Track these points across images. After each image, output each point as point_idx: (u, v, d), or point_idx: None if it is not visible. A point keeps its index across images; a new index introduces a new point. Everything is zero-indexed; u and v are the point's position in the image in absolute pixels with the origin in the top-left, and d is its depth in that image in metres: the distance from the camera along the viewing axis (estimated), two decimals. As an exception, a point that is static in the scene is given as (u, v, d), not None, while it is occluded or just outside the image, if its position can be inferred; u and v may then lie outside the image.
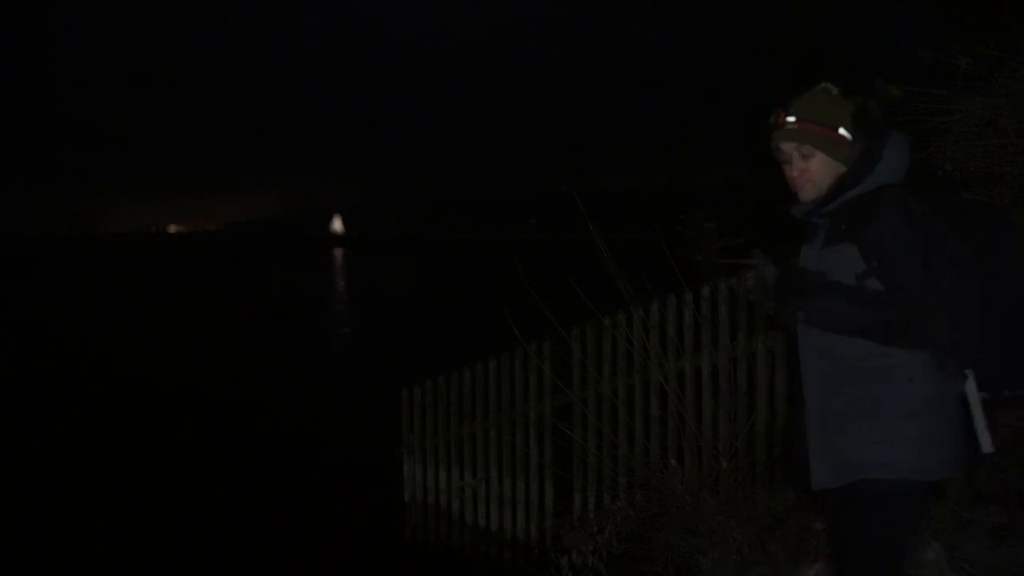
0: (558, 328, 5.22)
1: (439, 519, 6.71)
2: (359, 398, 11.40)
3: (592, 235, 4.65)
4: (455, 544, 6.50)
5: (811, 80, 2.28)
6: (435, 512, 6.76)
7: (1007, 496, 3.37)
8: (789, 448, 2.43)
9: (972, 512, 3.33)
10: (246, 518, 6.77)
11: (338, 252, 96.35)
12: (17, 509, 7.13)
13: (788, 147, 2.21)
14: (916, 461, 2.07)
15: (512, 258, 5.36)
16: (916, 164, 2.23)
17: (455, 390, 6.56)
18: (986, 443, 2.08)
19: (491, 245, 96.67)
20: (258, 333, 19.70)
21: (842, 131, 2.18)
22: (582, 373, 5.58)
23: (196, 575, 5.90)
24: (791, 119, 2.19)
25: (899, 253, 2.02)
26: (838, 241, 2.12)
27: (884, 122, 2.24)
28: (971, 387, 2.07)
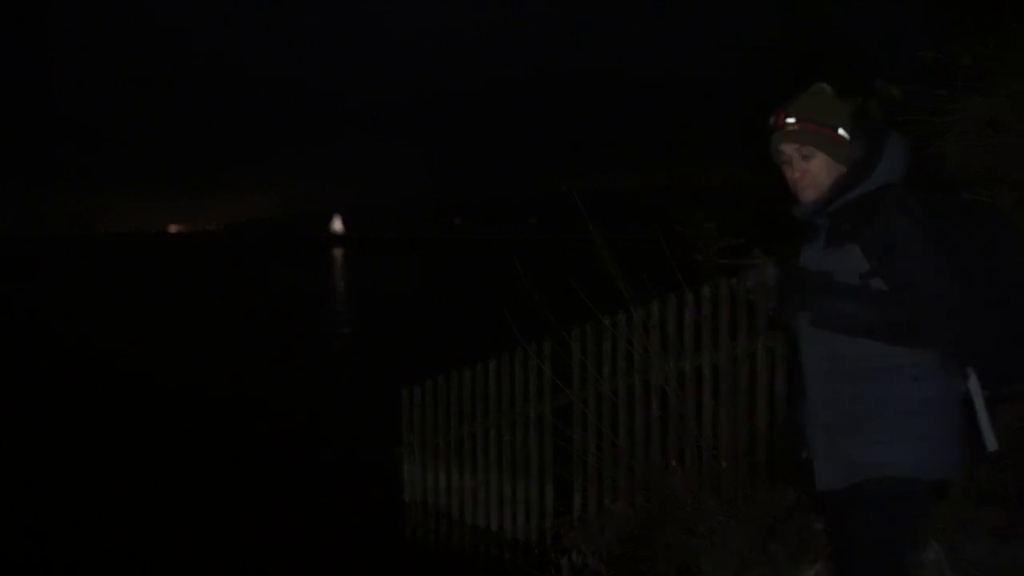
0: (558, 328, 5.22)
1: (439, 519, 6.71)
2: (359, 398, 11.39)
3: (592, 235, 4.65)
4: (455, 544, 6.50)
5: (811, 80, 2.28)
6: (435, 512, 6.76)
7: (1007, 496, 3.37)
8: (789, 448, 2.43)
9: (972, 512, 3.33)
10: (246, 518, 6.77)
11: (338, 252, 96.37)
12: (17, 509, 7.12)
13: (789, 148, 2.20)
14: (918, 461, 2.07)
15: (512, 258, 5.36)
16: (916, 164, 2.23)
17: (455, 390, 6.56)
18: (991, 441, 2.08)
19: (491, 245, 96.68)
20: (258, 333, 19.70)
21: (841, 131, 2.18)
22: (582, 373, 5.58)
23: (196, 575, 5.90)
24: (791, 120, 2.19)
25: (903, 252, 2.02)
26: (840, 241, 2.11)
27: (884, 122, 2.25)
28: (974, 385, 2.07)
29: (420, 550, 6.42)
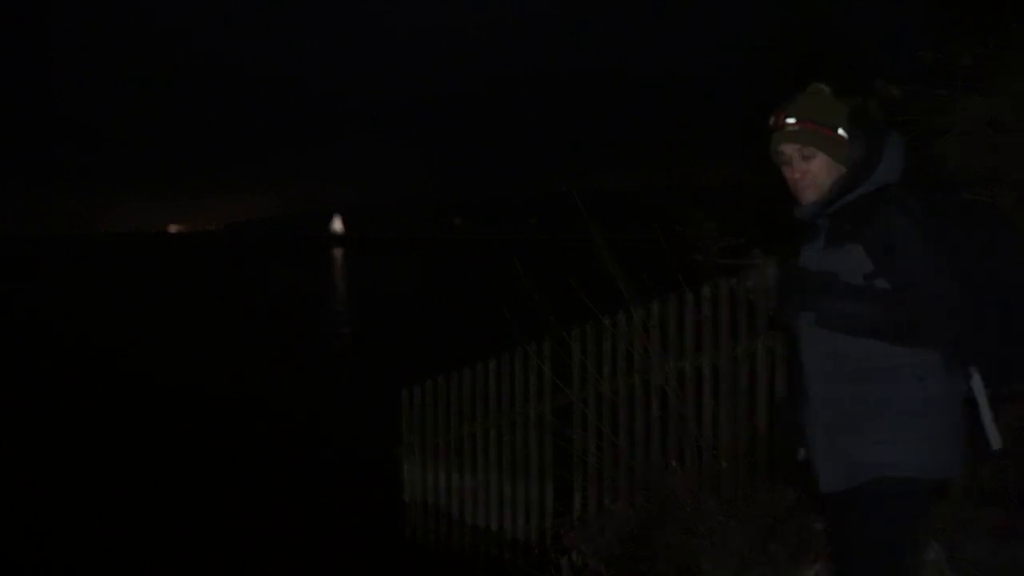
0: (558, 328, 5.22)
1: (439, 519, 6.71)
2: (359, 398, 11.39)
3: (592, 235, 4.65)
4: (455, 544, 6.50)
5: (811, 80, 2.28)
6: (435, 512, 6.76)
7: (1007, 496, 3.37)
8: (787, 448, 2.43)
9: (972, 512, 3.33)
10: (246, 518, 6.77)
11: (338, 252, 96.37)
12: (17, 509, 7.12)
13: (789, 148, 2.20)
14: (919, 461, 2.07)
15: (512, 258, 5.35)
16: (916, 164, 2.23)
17: (455, 390, 6.56)
18: (995, 439, 2.08)
19: (491, 245, 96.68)
20: (258, 333, 19.70)
21: (841, 131, 2.18)
22: (582, 373, 5.58)
23: (196, 575, 5.90)
24: (791, 120, 2.18)
25: (903, 252, 2.02)
26: (841, 241, 2.11)
27: (883, 122, 2.25)
28: (977, 384, 2.07)
29: (420, 550, 6.42)
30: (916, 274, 2.01)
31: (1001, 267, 2.07)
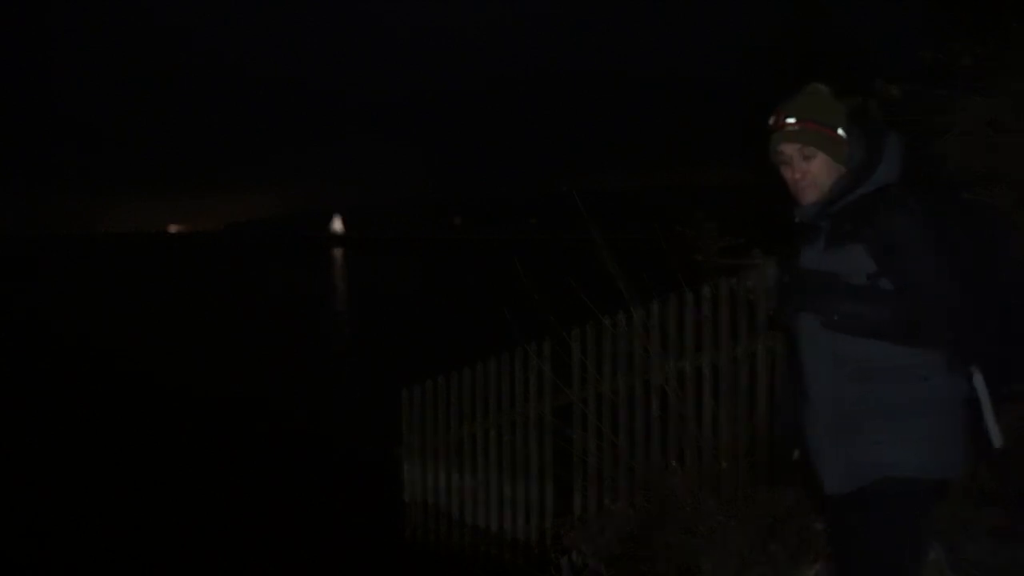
0: (558, 328, 5.22)
1: (439, 519, 6.71)
2: (359, 398, 11.40)
3: (592, 235, 4.65)
4: (455, 544, 6.50)
5: (811, 80, 2.27)
6: (435, 512, 6.76)
7: (1007, 496, 3.37)
8: (785, 449, 2.43)
9: (972, 512, 3.33)
10: (246, 518, 6.77)
11: (338, 252, 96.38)
12: (17, 509, 7.12)
13: (789, 148, 2.19)
14: (921, 461, 2.07)
15: (512, 258, 5.35)
16: (916, 164, 2.23)
17: (455, 390, 6.56)
18: (997, 438, 2.07)
19: (491, 245, 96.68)
20: (258, 333, 19.71)
21: (840, 131, 2.17)
22: (582, 373, 5.58)
23: (196, 575, 5.90)
24: (791, 120, 2.17)
25: (904, 252, 2.01)
26: (842, 242, 2.10)
27: (882, 121, 2.24)
28: (979, 383, 2.07)
29: (420, 550, 6.42)
30: (917, 274, 2.01)
31: (1001, 267, 2.07)
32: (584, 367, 5.51)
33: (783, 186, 2.26)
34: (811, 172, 2.18)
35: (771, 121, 2.22)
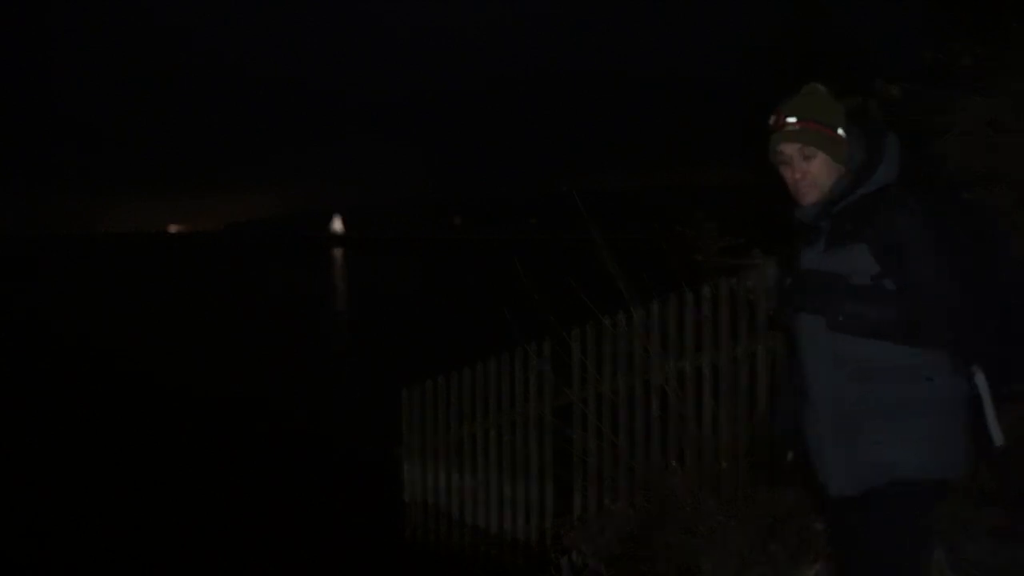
0: (558, 328, 5.22)
1: (439, 519, 6.71)
2: (359, 398, 11.40)
3: (592, 235, 4.65)
4: (455, 545, 6.50)
5: (811, 80, 2.27)
6: (435, 512, 6.76)
7: (1007, 496, 3.37)
8: (781, 450, 2.43)
9: (972, 512, 3.33)
10: (246, 518, 6.77)
11: (338, 252, 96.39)
12: (17, 509, 7.12)
13: (790, 148, 2.18)
14: (920, 460, 2.06)
15: (512, 258, 5.35)
16: (915, 164, 2.23)
17: (455, 390, 6.56)
18: (998, 436, 2.07)
19: (491, 245, 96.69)
20: (258, 333, 19.71)
21: (840, 131, 2.17)
22: (582, 373, 5.57)
23: (196, 575, 5.90)
24: (792, 120, 2.17)
25: (910, 252, 2.01)
26: (844, 242, 2.10)
27: (882, 121, 2.24)
28: (981, 382, 2.07)
29: (420, 550, 6.42)
30: (917, 274, 2.01)
31: (1001, 267, 2.07)
32: (584, 367, 5.51)
33: (783, 186, 2.26)
34: (811, 172, 2.18)
35: (771, 121, 2.22)
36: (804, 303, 2.14)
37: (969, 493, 3.35)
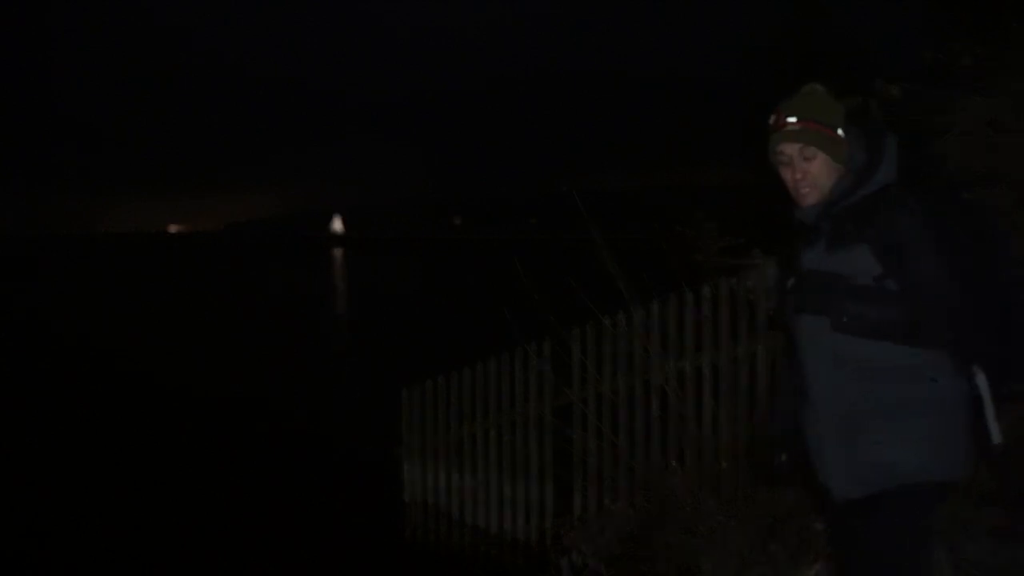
0: (558, 328, 5.22)
1: (439, 519, 6.71)
2: (359, 398, 11.39)
3: (592, 235, 4.65)
4: (455, 545, 6.49)
5: (811, 80, 2.27)
6: (435, 512, 6.76)
7: (1007, 496, 3.37)
8: (774, 451, 2.43)
9: (972, 512, 3.33)
10: (246, 518, 6.77)
11: (338, 252, 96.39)
12: (17, 509, 7.12)
13: (790, 149, 2.18)
14: (920, 460, 2.06)
15: (512, 258, 5.35)
16: (915, 164, 2.23)
17: (455, 390, 6.56)
18: (996, 434, 2.07)
19: (491, 245, 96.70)
20: (258, 333, 19.71)
21: (840, 131, 2.17)
22: (582, 373, 5.58)
23: (196, 575, 5.90)
24: (792, 120, 2.16)
25: (910, 252, 2.01)
26: (845, 243, 2.09)
27: (881, 121, 2.24)
28: (982, 381, 2.07)
29: (420, 550, 6.42)
30: (917, 274, 2.01)
31: (1001, 267, 2.06)
32: (584, 367, 5.51)
33: (783, 186, 2.26)
34: (811, 172, 2.17)
35: (771, 121, 2.22)
36: (805, 303, 2.14)
37: (969, 493, 3.35)
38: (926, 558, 2.24)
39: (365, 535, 6.52)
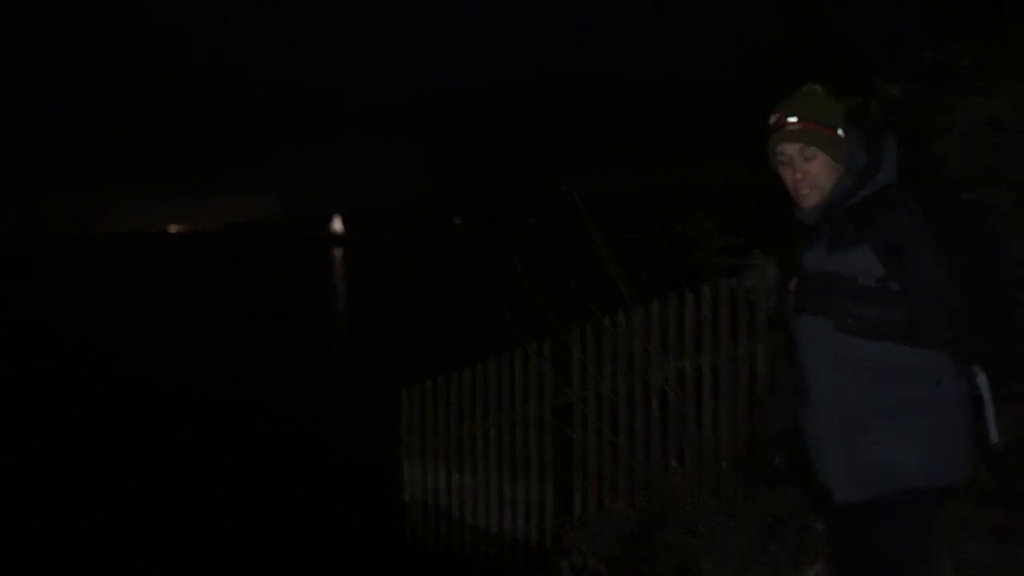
0: (558, 328, 5.22)
1: (439, 519, 6.71)
2: (359, 398, 11.39)
3: (592, 235, 4.65)
4: (455, 545, 6.50)
5: (810, 80, 2.27)
6: (435, 512, 6.76)
7: (1007, 496, 3.37)
8: (768, 453, 2.43)
9: (972, 512, 3.33)
10: (246, 518, 6.77)
11: (338, 252, 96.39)
12: (17, 509, 7.12)
13: (791, 149, 2.17)
14: (921, 461, 2.06)
15: (512, 258, 5.35)
16: (915, 164, 2.22)
17: (455, 390, 6.56)
18: (994, 433, 2.07)
19: (491, 245, 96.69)
20: (258, 333, 19.71)
21: (840, 131, 2.16)
22: (582, 373, 5.58)
23: (196, 575, 5.90)
24: (793, 120, 2.16)
25: (912, 252, 2.00)
26: (847, 244, 2.09)
27: (881, 121, 2.24)
28: (983, 382, 2.07)
29: (420, 550, 6.42)
30: (917, 274, 2.00)
31: (1001, 267, 2.06)
32: (584, 367, 5.51)
33: (783, 187, 2.25)
34: (811, 173, 2.17)
35: (771, 121, 2.21)
36: (805, 304, 2.14)
37: (969, 493, 3.35)
38: (927, 560, 2.24)
39: (365, 535, 6.52)
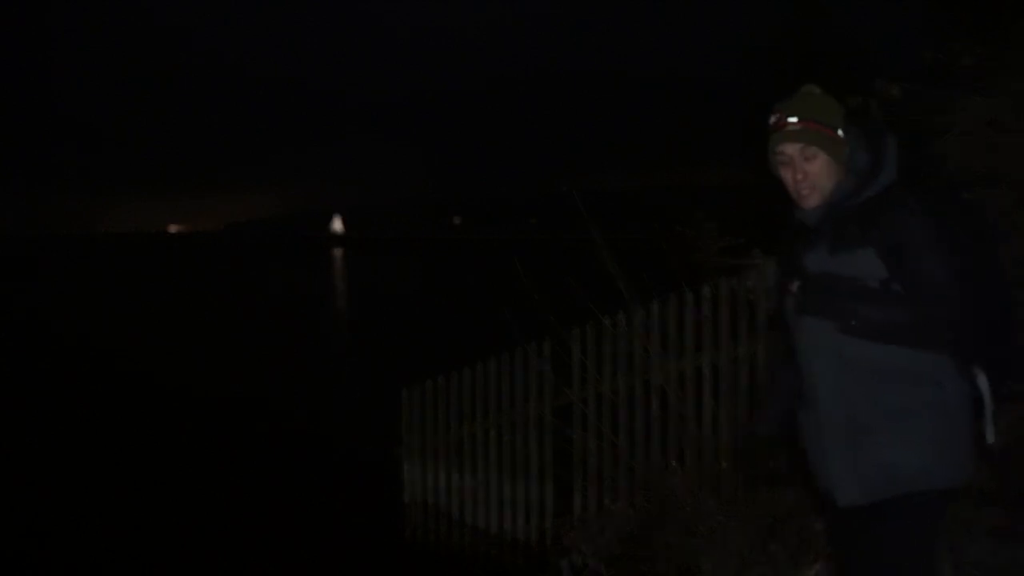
0: (558, 328, 5.22)
1: (439, 520, 6.71)
2: (359, 398, 11.39)
3: (592, 235, 4.65)
4: (455, 545, 6.50)
5: (812, 80, 2.27)
6: (435, 513, 6.76)
7: (1007, 496, 3.37)
8: (760, 455, 2.42)
9: (972, 512, 3.33)
10: (246, 518, 6.77)
11: (338, 252, 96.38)
12: (17, 509, 7.12)
13: (791, 149, 2.16)
14: (923, 462, 2.06)
15: (512, 258, 5.35)
16: (915, 164, 2.22)
17: (455, 390, 6.56)
18: (991, 434, 2.07)
19: (491, 245, 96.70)
20: (258, 333, 19.71)
21: (839, 132, 2.16)
22: (582, 373, 5.58)
23: (196, 575, 5.90)
24: (793, 120, 2.15)
25: (912, 252, 2.00)
26: (849, 245, 2.07)
27: (882, 121, 2.23)
28: (983, 382, 2.07)
29: (420, 550, 6.42)
30: (917, 274, 2.00)
31: (1001, 267, 2.06)
32: (584, 367, 5.51)
33: (783, 187, 2.25)
34: (812, 173, 2.16)
35: (771, 121, 2.20)
36: (807, 305, 2.13)
37: (969, 493, 3.35)
38: (931, 564, 2.23)
39: (365, 535, 6.52)
